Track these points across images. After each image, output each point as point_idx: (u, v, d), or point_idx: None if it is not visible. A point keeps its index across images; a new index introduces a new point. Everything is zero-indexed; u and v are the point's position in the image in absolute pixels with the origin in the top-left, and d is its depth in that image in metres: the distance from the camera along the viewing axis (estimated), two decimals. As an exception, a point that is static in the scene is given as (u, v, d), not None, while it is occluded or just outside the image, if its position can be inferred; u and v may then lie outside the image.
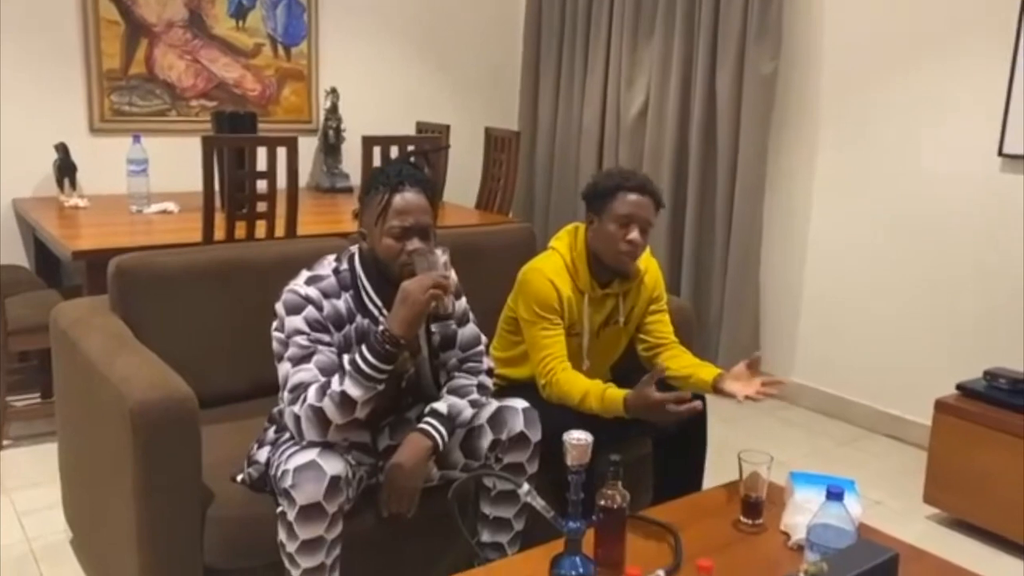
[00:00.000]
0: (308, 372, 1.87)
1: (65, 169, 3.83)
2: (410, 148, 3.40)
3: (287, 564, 1.86)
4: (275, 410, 2.09)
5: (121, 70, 4.06)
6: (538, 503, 1.78)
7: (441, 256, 1.88)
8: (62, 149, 3.82)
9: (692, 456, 2.46)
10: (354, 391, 1.81)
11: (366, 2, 4.68)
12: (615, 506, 1.82)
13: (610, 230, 2.30)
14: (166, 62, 4.16)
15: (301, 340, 1.88)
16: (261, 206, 3.16)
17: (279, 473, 1.83)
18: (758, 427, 3.65)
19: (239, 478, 2.04)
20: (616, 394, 2.17)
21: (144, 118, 4.13)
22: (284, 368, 1.89)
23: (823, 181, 3.81)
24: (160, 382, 1.92)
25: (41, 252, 3.87)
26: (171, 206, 3.69)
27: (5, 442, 3.21)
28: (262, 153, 3.14)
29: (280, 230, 3.22)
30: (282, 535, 1.84)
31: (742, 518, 2.05)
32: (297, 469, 1.79)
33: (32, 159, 3.86)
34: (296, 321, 1.89)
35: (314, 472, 1.78)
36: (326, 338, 1.91)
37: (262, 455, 2.00)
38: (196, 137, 4.15)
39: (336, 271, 1.98)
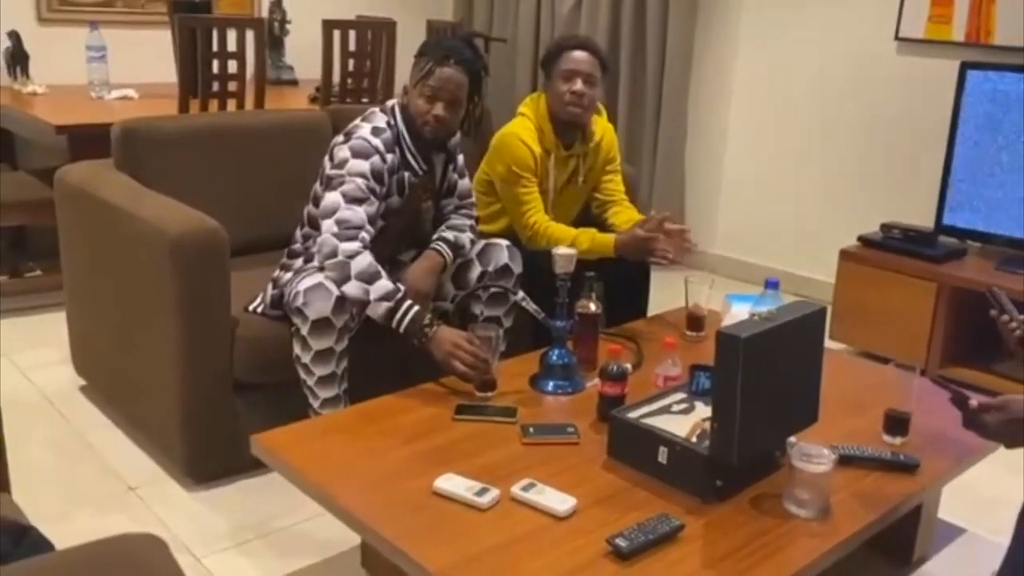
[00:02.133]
0: (357, 215, 2.13)
1: (18, 58, 3.89)
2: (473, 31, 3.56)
3: (303, 374, 2.17)
4: (296, 246, 2.36)
5: (66, -41, 4.08)
6: (531, 307, 2.13)
7: (496, 345, 2.07)
8: (14, 37, 3.86)
9: (639, 293, 2.85)
10: (374, 303, 2.08)
11: None
12: (590, 312, 2.19)
13: (558, 86, 2.62)
14: (110, -49, 4.20)
15: (360, 182, 2.15)
16: (231, 85, 3.34)
17: (292, 295, 2.12)
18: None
19: (252, 307, 2.32)
20: (606, 235, 2.57)
21: (90, 9, 4.17)
22: (334, 198, 2.14)
23: (742, 69, 4.19)
24: (191, 217, 2.18)
25: (-2, 138, 3.95)
26: (131, 92, 3.81)
27: (-11, 315, 3.37)
28: (231, 35, 3.30)
29: (249, 108, 3.42)
30: (297, 349, 2.14)
31: (687, 332, 2.46)
32: (307, 290, 2.08)
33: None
34: (362, 165, 2.15)
35: (323, 291, 2.08)
36: (378, 189, 2.19)
37: (285, 277, 2.28)
38: (145, 29, 4.29)
39: (389, 125, 2.25)
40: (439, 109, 2.22)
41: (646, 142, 4.47)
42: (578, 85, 2.60)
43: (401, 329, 2.08)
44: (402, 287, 2.14)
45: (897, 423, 1.87)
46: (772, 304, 2.03)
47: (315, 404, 2.16)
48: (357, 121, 2.27)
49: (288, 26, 4.63)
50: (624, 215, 2.80)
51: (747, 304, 2.32)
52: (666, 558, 1.47)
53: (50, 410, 2.67)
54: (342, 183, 2.15)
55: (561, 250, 2.10)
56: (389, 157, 2.23)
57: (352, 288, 2.09)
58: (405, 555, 1.45)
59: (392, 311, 2.08)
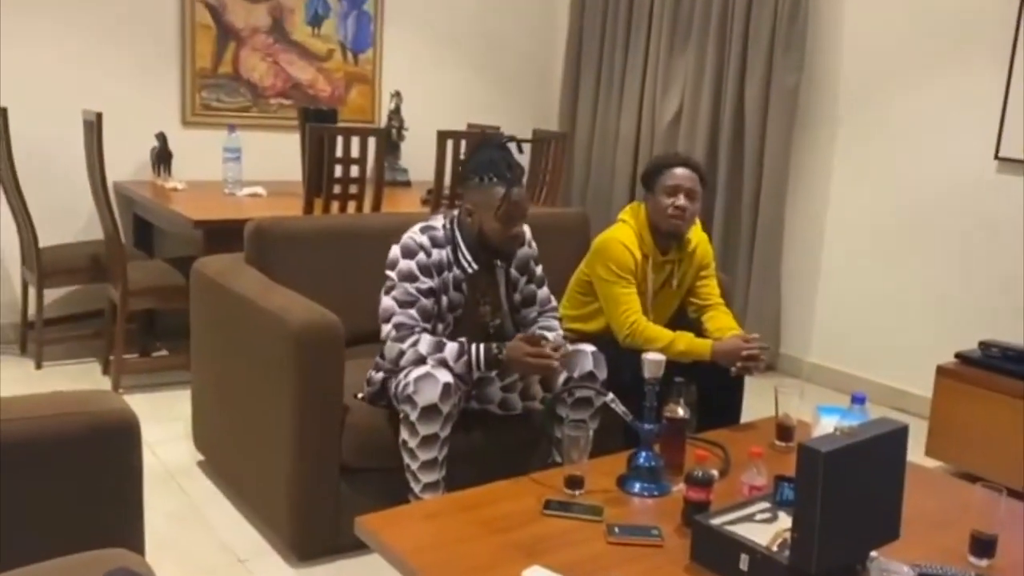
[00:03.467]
0: (410, 318, 2.35)
1: (163, 156, 4.31)
2: (504, 134, 3.86)
3: (407, 459, 2.32)
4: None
5: (211, 69, 4.54)
6: (619, 408, 2.23)
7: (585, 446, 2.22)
8: (161, 138, 4.29)
9: (733, 400, 2.91)
10: (455, 364, 2.34)
11: (425, 14, 5.16)
12: (678, 417, 2.28)
13: (661, 201, 2.79)
14: (250, 63, 4.64)
15: (408, 286, 2.36)
16: (352, 188, 3.62)
17: (401, 386, 2.30)
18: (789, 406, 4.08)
19: (359, 396, 2.50)
20: (704, 340, 2.72)
21: (229, 113, 4.60)
22: (389, 304, 2.37)
23: (838, 182, 4.28)
24: (313, 311, 2.39)
25: (139, 227, 4.35)
26: (260, 190, 4.16)
27: (119, 391, 3.66)
28: (355, 142, 3.60)
29: (367, 210, 3.69)
30: (405, 434, 2.30)
31: (776, 441, 2.50)
32: (417, 379, 2.27)
33: (130, 147, 4.31)
34: (409, 265, 2.36)
35: (431, 380, 2.26)
36: (427, 283, 2.38)
37: (378, 377, 2.46)
38: (276, 132, 4.69)
39: (444, 227, 2.46)
40: (520, 227, 2.45)
41: (742, 251, 4.56)
42: (681, 200, 2.77)
43: (482, 367, 2.38)
44: (465, 341, 2.38)
45: (983, 544, 1.88)
46: (858, 419, 2.09)
47: (416, 488, 2.30)
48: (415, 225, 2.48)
49: (404, 132, 4.97)
50: (719, 320, 2.91)
51: (835, 416, 2.36)
52: (743, 663, 1.52)
53: (171, 483, 2.89)
54: (393, 287, 2.37)
55: (651, 356, 2.21)
56: (436, 253, 2.41)
57: (432, 364, 2.29)
58: (493, 640, 1.54)
59: (468, 362, 2.34)
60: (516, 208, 2.41)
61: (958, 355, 3.37)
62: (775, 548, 1.73)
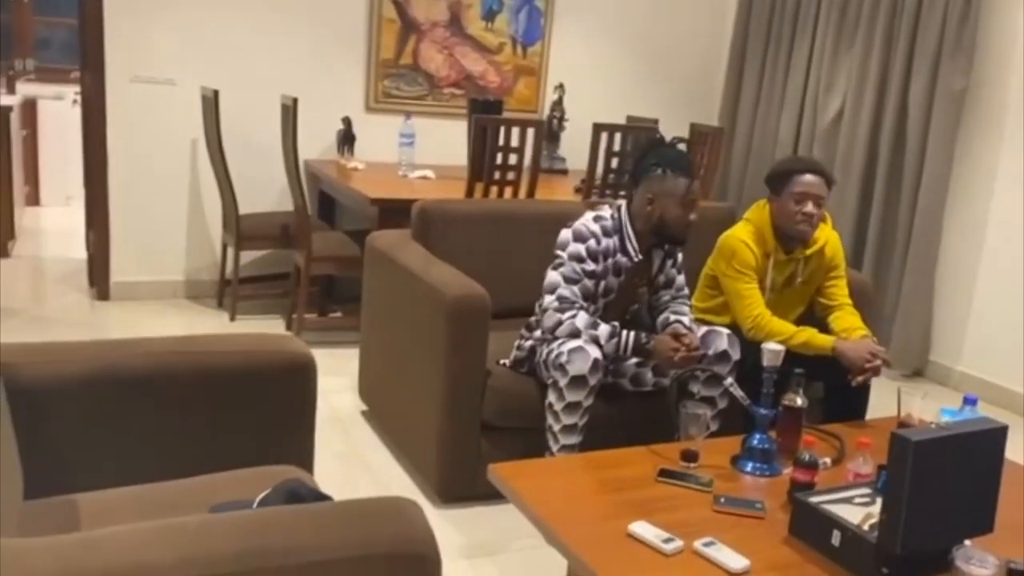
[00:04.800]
0: (572, 294, 2.60)
1: (348, 139, 4.76)
2: (673, 135, 4.08)
3: (551, 420, 2.58)
4: (533, 319, 2.82)
5: (393, 60, 4.95)
6: (738, 392, 2.40)
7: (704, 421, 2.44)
8: (347, 121, 4.74)
9: (859, 397, 2.99)
10: (606, 344, 2.58)
11: (593, 9, 5.39)
12: (795, 405, 2.42)
13: (789, 206, 2.89)
14: (428, 55, 5.03)
15: (576, 266, 2.61)
16: (510, 175, 3.92)
17: (554, 354, 2.56)
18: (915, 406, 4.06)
19: (503, 362, 2.79)
20: (826, 337, 2.84)
21: (407, 101, 5.00)
22: (555, 278, 2.61)
23: (1001, 191, 4.17)
24: (466, 285, 2.69)
25: (323, 201, 4.83)
26: (429, 173, 4.52)
27: (298, 345, 4.13)
28: (515, 132, 3.89)
29: (522, 195, 3.97)
30: (552, 398, 2.57)
31: (897, 438, 2.59)
32: (571, 350, 2.52)
33: (319, 129, 4.79)
34: (579, 248, 2.61)
35: (582, 353, 2.51)
36: (592, 266, 2.62)
37: (527, 344, 2.73)
38: (447, 119, 5.05)
39: (612, 217, 2.70)
40: (692, 214, 2.66)
41: (897, 254, 4.52)
42: (809, 207, 2.87)
43: (629, 352, 2.62)
44: (617, 325, 2.62)
45: (1084, 551, 1.93)
46: (967, 417, 2.17)
47: (554, 448, 2.57)
48: (587, 212, 2.71)
49: (565, 123, 5.22)
50: (845, 321, 2.98)
51: (953, 417, 2.43)
52: (820, 623, 1.68)
53: (338, 427, 3.29)
54: (561, 264, 2.61)
55: (770, 346, 2.36)
56: (605, 241, 2.64)
57: (585, 339, 2.52)
58: (597, 577, 1.78)
59: (618, 344, 2.59)
60: (695, 197, 2.66)
61: (1112, 373, 3.28)
62: (866, 527, 1.87)
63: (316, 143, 4.83)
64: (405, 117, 4.62)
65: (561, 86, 5.20)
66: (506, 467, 2.21)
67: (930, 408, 2.63)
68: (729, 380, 2.45)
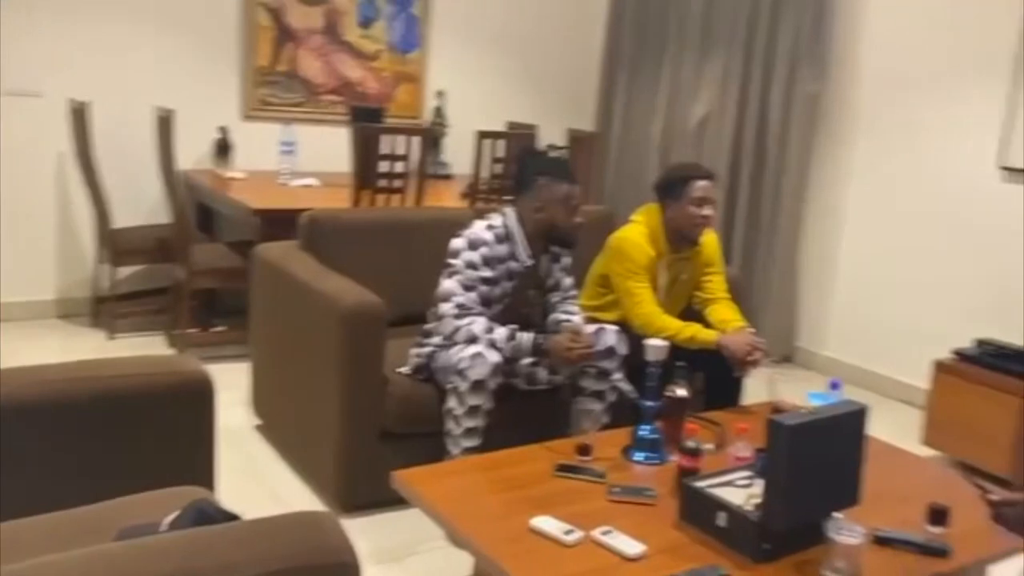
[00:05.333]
0: (469, 300, 2.68)
1: (224, 148, 4.67)
2: (548, 143, 4.17)
3: (451, 425, 2.65)
4: (428, 327, 2.87)
5: (270, 67, 4.89)
6: (625, 387, 2.54)
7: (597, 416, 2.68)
8: (223, 131, 4.66)
9: (735, 386, 3.19)
10: (504, 347, 2.67)
11: (470, 17, 5.47)
12: (677, 396, 2.57)
13: (689, 210, 3.06)
14: (305, 62, 4.99)
15: (471, 273, 2.69)
16: (397, 182, 3.95)
17: (454, 360, 2.62)
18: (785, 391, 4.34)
19: (401, 370, 2.83)
20: (711, 332, 3.01)
21: (285, 108, 4.95)
22: (451, 285, 2.68)
23: (856, 185, 4.51)
24: (360, 294, 2.72)
25: (202, 213, 4.73)
26: (312, 181, 4.50)
27: (183, 361, 4.04)
28: (400, 140, 3.93)
29: (409, 202, 4.02)
30: (452, 403, 2.63)
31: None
32: (471, 356, 2.60)
33: (194, 139, 4.67)
34: (473, 255, 2.68)
35: (482, 359, 2.59)
36: (487, 272, 2.70)
37: (424, 352, 2.79)
38: (327, 127, 5.03)
39: (503, 224, 2.79)
40: (578, 217, 2.78)
41: (762, 249, 4.81)
42: (707, 210, 3.06)
43: (527, 352, 2.68)
44: (515, 327, 2.70)
45: (938, 514, 2.14)
46: (833, 401, 2.36)
47: (455, 451, 2.64)
48: (477, 220, 2.80)
49: (447, 128, 5.29)
50: (721, 313, 3.18)
51: (821, 401, 2.64)
52: (711, 598, 1.82)
53: (232, 443, 3.25)
54: (455, 272, 2.68)
55: (652, 341, 2.51)
56: (497, 247, 2.74)
57: (484, 344, 2.59)
58: (504, 572, 1.86)
59: (516, 346, 2.67)
60: (571, 198, 2.79)
61: (956, 351, 3.61)
62: (749, 507, 2.03)
63: (192, 153, 4.72)
64: (285, 125, 4.57)
65: (442, 92, 5.26)
66: (409, 473, 2.26)
67: (799, 392, 2.84)
68: (617, 375, 2.58)
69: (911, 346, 4.24)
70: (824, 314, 4.71)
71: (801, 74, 4.53)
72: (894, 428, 3.89)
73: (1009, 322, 3.78)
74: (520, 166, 2.91)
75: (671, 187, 3.14)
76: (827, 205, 4.64)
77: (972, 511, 2.15)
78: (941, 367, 3.59)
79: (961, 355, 3.59)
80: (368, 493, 2.76)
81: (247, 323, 3.47)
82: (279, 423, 3.19)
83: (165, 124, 3.92)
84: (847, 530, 1.91)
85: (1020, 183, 3.84)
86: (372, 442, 2.74)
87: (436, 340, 2.80)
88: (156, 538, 1.15)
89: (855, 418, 2.02)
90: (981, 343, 3.57)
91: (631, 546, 1.95)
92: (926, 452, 3.63)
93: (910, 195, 4.26)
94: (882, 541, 2.05)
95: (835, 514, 2.03)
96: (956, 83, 4.04)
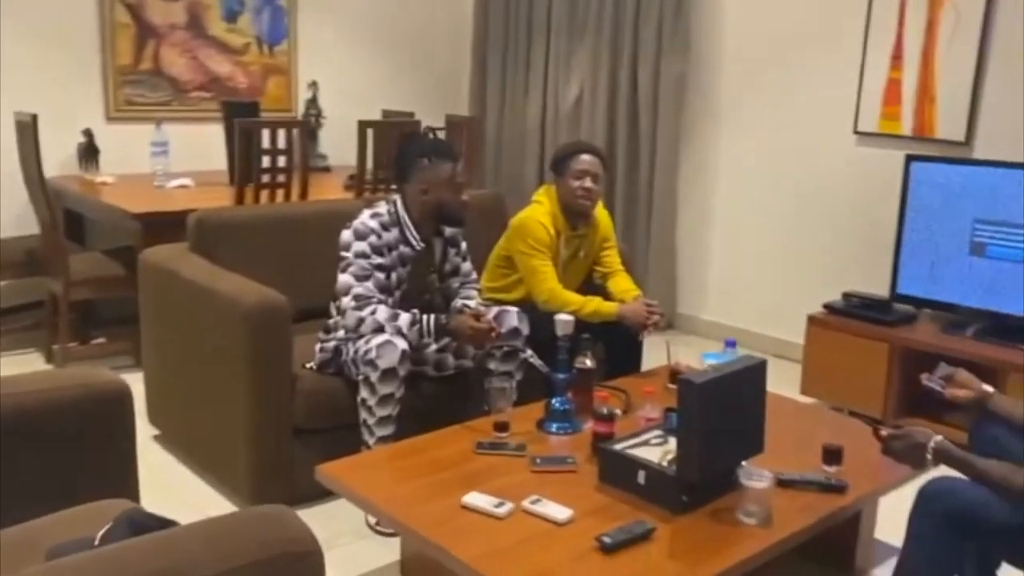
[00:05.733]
0: (367, 290, 2.68)
1: (90, 151, 4.46)
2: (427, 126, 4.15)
3: (365, 415, 2.66)
4: (331, 321, 2.87)
5: (132, 66, 4.69)
6: (537, 362, 2.61)
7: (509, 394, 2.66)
8: (88, 134, 4.44)
9: (634, 353, 3.33)
10: (409, 332, 2.68)
11: (337, 6, 5.41)
12: (586, 367, 2.67)
13: (570, 184, 3.17)
14: (169, 59, 4.81)
15: (363, 263, 2.68)
16: (280, 177, 3.89)
17: (362, 351, 2.62)
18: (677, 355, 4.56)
19: (308, 365, 2.82)
20: (611, 304, 3.14)
21: (152, 108, 4.76)
22: (346, 279, 2.68)
23: (726, 158, 4.74)
24: (261, 292, 2.69)
25: (70, 221, 4.50)
26: (187, 181, 4.37)
27: (65, 377, 3.86)
28: (281, 134, 3.87)
29: (294, 197, 3.96)
30: (365, 393, 2.64)
31: (669, 384, 2.93)
32: (379, 345, 2.60)
33: (56, 144, 4.44)
34: (362, 245, 2.68)
35: (390, 346, 2.60)
36: (379, 260, 2.71)
37: (329, 346, 2.78)
38: (197, 124, 4.87)
39: (388, 212, 2.78)
40: (464, 195, 2.82)
41: (641, 222, 5.00)
42: (587, 183, 3.16)
43: (431, 336, 2.73)
44: (417, 312, 2.72)
45: (832, 455, 2.33)
46: (730, 359, 2.51)
47: (370, 441, 2.65)
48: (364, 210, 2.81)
49: (323, 120, 5.22)
50: (621, 284, 3.32)
51: (716, 360, 2.80)
52: (641, 551, 1.93)
53: (130, 455, 3.15)
54: (349, 265, 2.69)
55: (562, 316, 2.60)
56: (385, 235, 2.76)
57: (390, 332, 2.61)
58: (444, 551, 1.91)
59: (420, 330, 2.69)
60: (462, 178, 2.82)
61: (825, 305, 3.88)
62: (665, 464, 2.15)
63: (55, 159, 4.47)
64: (156, 125, 4.41)
65: (314, 84, 5.19)
66: (334, 466, 2.27)
67: (690, 355, 3.01)
68: (529, 352, 2.66)
69: (785, 304, 4.52)
70: (702, 280, 4.95)
71: (666, 55, 4.72)
72: (775, 382, 4.10)
73: (874, 275, 4.08)
74: (401, 151, 2.91)
75: (557, 164, 3.25)
76: (699, 178, 4.87)
77: (862, 449, 2.36)
78: (813, 321, 3.85)
79: (830, 308, 3.86)
80: (282, 491, 2.72)
81: (134, 332, 3.36)
82: (180, 431, 3.11)
83: (26, 129, 3.72)
84: (756, 476, 2.06)
85: (873, 146, 4.14)
86: (284, 440, 2.72)
87: (340, 334, 2.80)
88: (118, 546, 1.13)
89: (756, 372, 2.17)
90: (847, 296, 3.85)
91: (560, 512, 2.04)
92: (806, 401, 3.89)
93: (776, 163, 4.52)
94: (786, 483, 2.21)
95: (743, 463, 2.19)
96: (813, 55, 4.31)
